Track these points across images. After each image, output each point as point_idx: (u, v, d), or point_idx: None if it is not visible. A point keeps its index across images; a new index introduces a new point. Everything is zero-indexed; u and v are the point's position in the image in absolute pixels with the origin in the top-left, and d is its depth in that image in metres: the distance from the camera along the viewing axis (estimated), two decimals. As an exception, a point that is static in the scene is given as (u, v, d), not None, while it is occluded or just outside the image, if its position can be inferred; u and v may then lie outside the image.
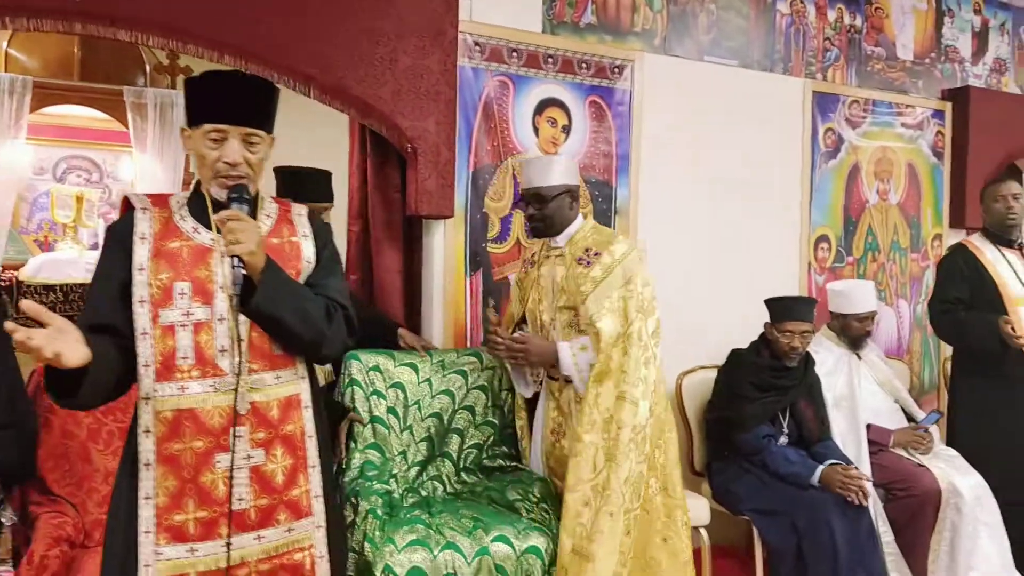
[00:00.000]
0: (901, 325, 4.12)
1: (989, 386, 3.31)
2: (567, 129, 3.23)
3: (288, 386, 1.70)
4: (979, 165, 4.22)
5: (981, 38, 4.43)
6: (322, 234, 1.82)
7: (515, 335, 2.56)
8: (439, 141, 2.80)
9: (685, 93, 3.49)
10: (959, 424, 3.44)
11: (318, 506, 1.72)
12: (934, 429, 3.28)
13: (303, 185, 2.67)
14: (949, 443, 3.39)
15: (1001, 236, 3.35)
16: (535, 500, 2.44)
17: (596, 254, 2.44)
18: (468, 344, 3.02)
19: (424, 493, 2.58)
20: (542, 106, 3.17)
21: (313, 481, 1.71)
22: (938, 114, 4.19)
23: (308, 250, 1.77)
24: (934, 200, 4.20)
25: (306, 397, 1.72)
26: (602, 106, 3.30)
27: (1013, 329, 3.08)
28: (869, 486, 2.88)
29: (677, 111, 3.46)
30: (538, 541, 2.27)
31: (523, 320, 2.69)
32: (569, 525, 2.27)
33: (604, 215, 3.31)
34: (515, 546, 2.23)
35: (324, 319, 1.69)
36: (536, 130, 3.17)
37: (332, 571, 1.72)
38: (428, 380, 2.72)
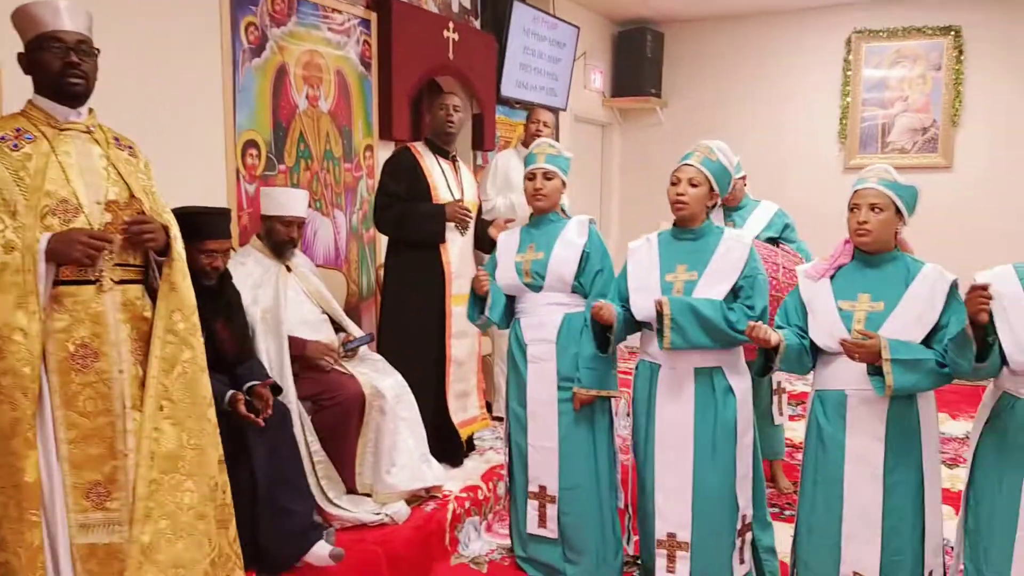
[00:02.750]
0: (339, 235, 4.10)
1: (408, 293, 3.53)
2: None
3: None
4: (403, 79, 4.36)
5: (404, -47, 4.54)
6: None
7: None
8: None
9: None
10: (385, 327, 3.58)
11: None
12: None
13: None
14: (380, 348, 3.49)
15: (440, 147, 3.62)
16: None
17: (128, 147, 2.12)
18: None
19: None
20: None
21: None
22: (365, 23, 4.19)
23: None
24: (364, 111, 4.22)
25: None
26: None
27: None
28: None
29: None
30: None
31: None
32: None
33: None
34: None
35: None
36: None
37: None
38: None
